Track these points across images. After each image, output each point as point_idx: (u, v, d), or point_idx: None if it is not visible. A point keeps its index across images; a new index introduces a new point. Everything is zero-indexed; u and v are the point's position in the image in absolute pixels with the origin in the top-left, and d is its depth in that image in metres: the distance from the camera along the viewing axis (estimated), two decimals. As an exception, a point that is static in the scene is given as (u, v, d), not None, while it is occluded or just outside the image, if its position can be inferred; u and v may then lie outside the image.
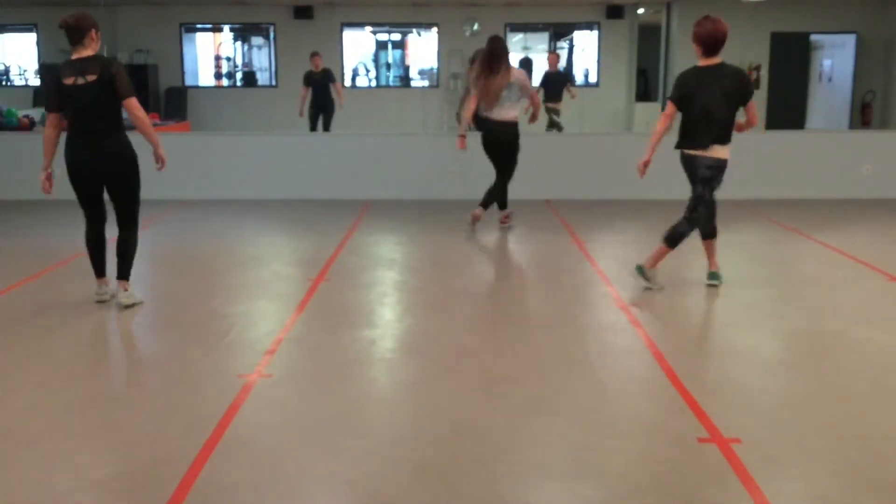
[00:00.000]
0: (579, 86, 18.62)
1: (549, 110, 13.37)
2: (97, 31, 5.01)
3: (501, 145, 7.83)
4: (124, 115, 5.09)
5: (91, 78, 4.87)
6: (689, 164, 5.54)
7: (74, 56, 4.95)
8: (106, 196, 5.25)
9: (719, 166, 5.48)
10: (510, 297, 5.85)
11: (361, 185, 10.16)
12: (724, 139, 5.44)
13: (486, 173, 9.98)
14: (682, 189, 10.61)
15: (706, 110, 5.38)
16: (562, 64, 14.23)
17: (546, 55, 14.33)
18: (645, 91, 19.19)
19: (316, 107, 13.10)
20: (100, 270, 5.42)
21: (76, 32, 4.92)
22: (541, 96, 12.77)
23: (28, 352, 4.55)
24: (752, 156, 10.05)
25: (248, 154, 10.39)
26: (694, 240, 5.69)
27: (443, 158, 10.18)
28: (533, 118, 8.06)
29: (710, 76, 5.41)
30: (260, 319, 5.18)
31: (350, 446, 3.35)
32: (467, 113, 8.00)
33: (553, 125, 13.43)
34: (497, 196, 7.99)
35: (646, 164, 5.58)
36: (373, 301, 5.72)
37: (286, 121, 17.26)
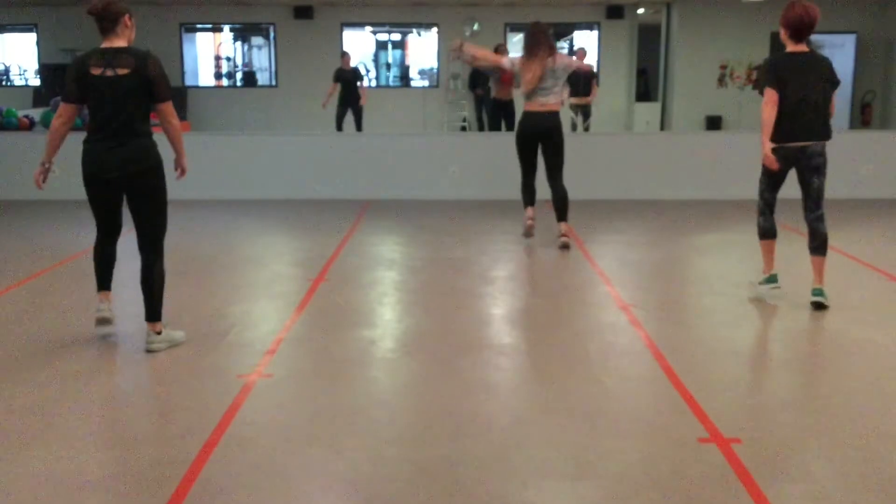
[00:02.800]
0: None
1: (573, 108, 13.33)
2: (131, 17, 4.43)
3: (546, 137, 7.13)
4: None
5: (122, 71, 4.28)
6: (796, 157, 5.29)
7: (105, 44, 4.36)
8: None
9: (825, 152, 5.32)
10: (510, 296, 5.85)
11: (361, 185, 10.16)
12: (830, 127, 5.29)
13: (485, 174, 10.01)
14: (682, 189, 10.59)
15: (805, 98, 5.13)
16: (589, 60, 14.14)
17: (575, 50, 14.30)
18: (645, 91, 19.19)
19: (345, 104, 13.62)
20: (104, 283, 4.71)
21: (106, 19, 4.33)
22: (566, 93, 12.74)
23: (28, 352, 4.55)
24: (751, 156, 10.04)
25: (248, 154, 10.39)
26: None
27: (443, 158, 10.18)
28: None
29: (804, 62, 5.16)
30: (260, 319, 5.18)
31: (350, 446, 3.35)
32: (491, 56, 7.60)
33: (574, 127, 13.36)
34: (562, 203, 7.25)
35: (770, 156, 5.28)
36: (373, 301, 5.72)
37: (286, 121, 17.29)
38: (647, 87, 19.36)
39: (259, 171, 10.25)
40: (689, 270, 6.75)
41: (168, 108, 4.44)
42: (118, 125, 4.34)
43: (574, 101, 13.23)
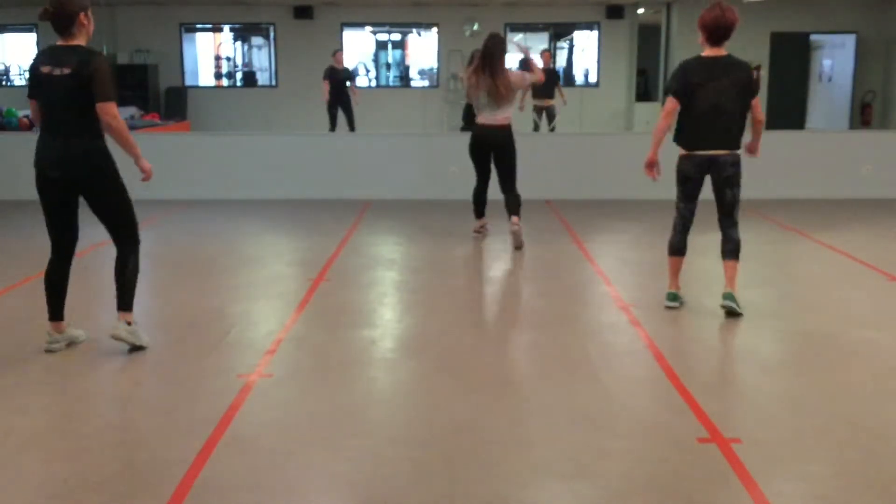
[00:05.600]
0: (579, 86, 18.64)
1: (536, 109, 13.26)
2: (87, 13, 4.30)
3: (492, 149, 7.30)
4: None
5: (66, 70, 4.19)
6: (704, 166, 5.08)
7: (60, 42, 4.29)
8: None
9: (739, 162, 5.08)
10: (510, 297, 5.85)
11: (361, 185, 10.16)
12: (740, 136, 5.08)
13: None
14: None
15: (716, 105, 4.93)
16: (557, 64, 14.19)
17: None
18: (645, 91, 19.19)
19: (337, 104, 13.28)
20: (54, 312, 4.56)
21: (60, 20, 4.23)
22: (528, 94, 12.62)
23: (28, 352, 4.55)
24: (751, 156, 10.05)
25: (248, 154, 10.38)
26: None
27: (443, 158, 10.18)
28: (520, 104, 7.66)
29: (717, 67, 4.96)
30: (260, 319, 5.18)
31: (350, 446, 3.35)
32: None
33: (536, 127, 13.31)
34: (514, 203, 7.33)
35: (652, 165, 5.27)
36: (373, 301, 5.72)
37: (286, 121, 17.28)
38: (647, 87, 19.36)
39: (259, 171, 10.25)
40: (689, 270, 6.74)
41: (106, 107, 4.23)
42: (61, 124, 4.28)
43: (536, 102, 13.16)
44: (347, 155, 10.37)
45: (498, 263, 6.86)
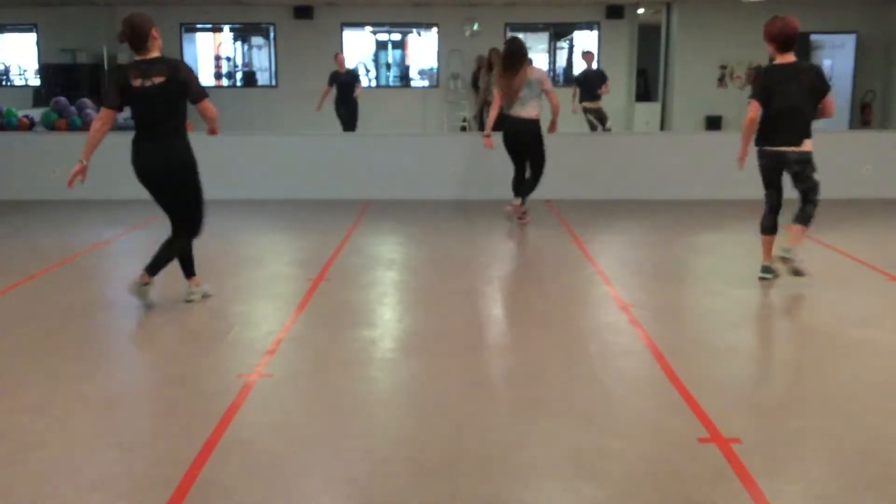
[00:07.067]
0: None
1: (586, 111, 13.27)
2: (156, 29, 5.07)
3: (523, 142, 8.00)
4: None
5: (157, 80, 4.90)
6: (775, 160, 5.66)
7: (138, 57, 4.98)
8: None
9: (807, 159, 5.63)
10: (510, 296, 5.85)
11: (361, 185, 10.16)
12: (808, 133, 5.61)
13: (485, 174, 10.00)
14: (682, 189, 10.60)
15: (786, 107, 5.50)
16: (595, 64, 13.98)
17: (581, 54, 14.19)
18: (645, 91, 19.17)
19: (342, 107, 13.37)
20: (187, 272, 5.48)
21: (137, 39, 4.95)
22: (575, 96, 12.94)
23: (28, 352, 4.55)
24: (751, 156, 10.04)
25: (248, 154, 10.38)
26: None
27: (443, 158, 10.18)
28: (552, 127, 8.28)
29: (788, 73, 5.53)
30: (260, 319, 5.18)
31: (350, 446, 3.35)
32: (493, 112, 8.16)
33: (593, 127, 13.28)
34: (527, 188, 8.19)
35: (741, 159, 5.80)
36: (373, 301, 5.72)
37: (286, 121, 17.28)
38: (647, 87, 19.34)
39: (259, 172, 10.25)
40: (689, 270, 6.75)
41: (204, 105, 5.05)
42: (158, 128, 5.02)
43: (586, 105, 13.20)
44: (347, 155, 10.37)
45: (498, 263, 6.86)
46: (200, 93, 5.03)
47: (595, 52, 13.57)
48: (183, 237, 5.32)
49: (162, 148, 5.07)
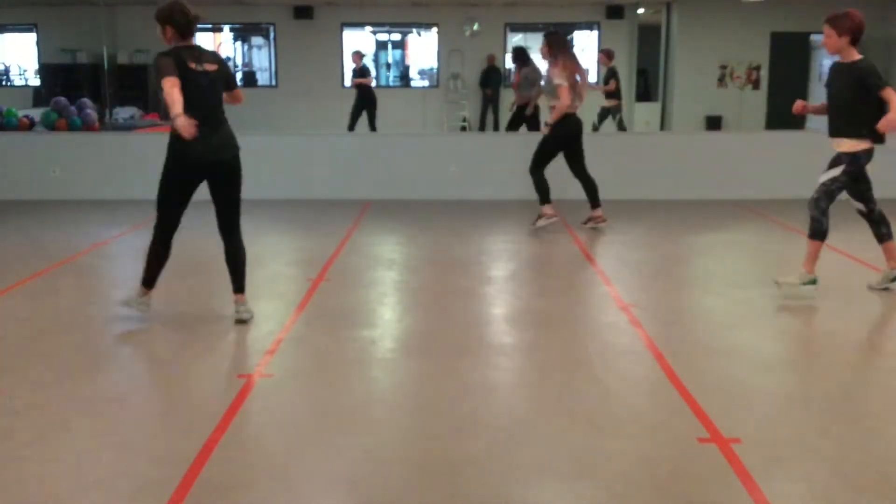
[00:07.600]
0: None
1: (610, 110, 13.15)
2: None
3: (580, 143, 8.00)
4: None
5: (210, 67, 4.98)
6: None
7: (183, 44, 5.00)
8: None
9: (836, 160, 5.71)
10: (510, 297, 5.85)
11: (361, 185, 10.15)
12: (844, 132, 5.66)
13: (484, 174, 10.01)
14: (682, 189, 10.59)
15: (832, 102, 5.64)
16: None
17: (597, 53, 14.12)
18: (645, 91, 19.18)
19: (359, 104, 13.64)
20: (151, 280, 5.11)
21: (191, 24, 5.11)
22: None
23: (28, 352, 4.55)
24: (751, 156, 10.05)
25: (248, 154, 10.30)
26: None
27: (443, 158, 10.18)
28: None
29: (839, 69, 5.65)
30: (260, 319, 5.17)
31: (350, 446, 3.35)
32: (563, 108, 7.63)
33: (622, 127, 13.17)
34: (593, 189, 8.14)
35: (803, 107, 5.86)
36: (373, 301, 5.72)
37: (286, 121, 17.28)
38: (647, 87, 19.35)
39: (259, 171, 10.22)
40: (690, 270, 6.75)
41: (239, 92, 5.45)
42: (209, 114, 5.01)
43: (607, 104, 13.11)
44: (347, 155, 10.37)
45: (498, 263, 6.86)
46: (237, 81, 5.28)
47: (613, 51, 13.33)
48: (240, 239, 5.40)
49: (222, 136, 5.14)
